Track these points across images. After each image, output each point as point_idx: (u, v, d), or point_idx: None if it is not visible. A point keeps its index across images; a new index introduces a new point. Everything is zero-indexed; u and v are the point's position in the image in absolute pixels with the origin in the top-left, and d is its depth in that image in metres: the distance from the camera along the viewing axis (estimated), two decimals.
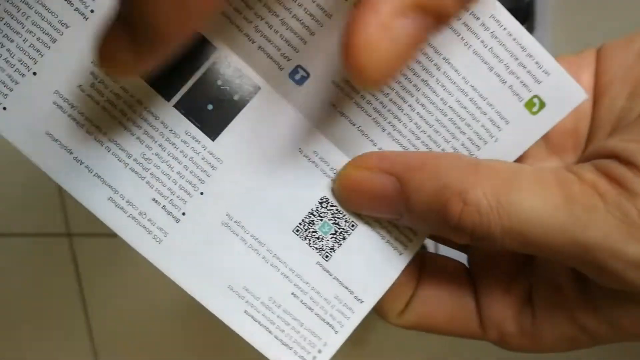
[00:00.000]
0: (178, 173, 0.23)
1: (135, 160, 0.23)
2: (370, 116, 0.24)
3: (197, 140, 0.23)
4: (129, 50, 0.18)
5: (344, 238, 0.25)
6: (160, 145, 0.23)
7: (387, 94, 0.23)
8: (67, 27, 0.22)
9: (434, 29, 0.19)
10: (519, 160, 0.25)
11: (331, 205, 0.24)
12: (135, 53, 0.18)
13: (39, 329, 0.78)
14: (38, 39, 0.22)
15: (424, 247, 0.26)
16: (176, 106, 0.23)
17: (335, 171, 0.24)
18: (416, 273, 0.26)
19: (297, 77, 0.23)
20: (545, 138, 0.25)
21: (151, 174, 0.23)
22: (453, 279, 0.26)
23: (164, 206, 0.23)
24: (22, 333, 0.79)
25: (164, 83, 0.23)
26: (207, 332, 0.73)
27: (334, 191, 0.24)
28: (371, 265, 0.25)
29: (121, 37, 0.18)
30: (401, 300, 0.26)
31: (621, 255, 0.20)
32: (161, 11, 0.17)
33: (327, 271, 0.25)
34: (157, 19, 0.17)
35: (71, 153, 0.22)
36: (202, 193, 0.23)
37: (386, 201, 0.23)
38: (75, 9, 0.22)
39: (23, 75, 0.22)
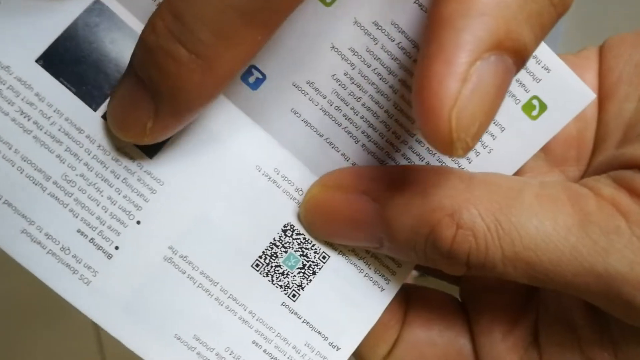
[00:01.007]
0: (109, 198, 0.19)
1: (55, 183, 0.19)
2: (340, 125, 0.20)
3: (131, 158, 0.19)
4: (150, 117, 0.17)
5: (314, 273, 0.21)
6: (86, 164, 0.19)
7: (359, 98, 0.20)
8: None
9: (515, 70, 0.15)
10: (516, 175, 0.21)
11: (297, 234, 0.20)
12: (158, 120, 0.17)
13: (45, 323, 0.73)
14: None
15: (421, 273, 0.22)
16: (105, 117, 0.19)
17: (301, 192, 0.20)
18: (401, 310, 0.22)
19: (251, 79, 0.19)
20: (545, 148, 0.22)
21: (75, 199, 0.19)
22: (444, 316, 0.22)
23: (92, 239, 0.19)
24: (28, 328, 0.74)
25: (89, 88, 0.19)
26: None
27: (300, 216, 0.20)
28: (348, 304, 0.21)
29: (142, 103, 0.16)
30: (385, 343, 0.22)
31: None
32: (188, 77, 0.15)
33: (295, 313, 0.20)
34: (184, 85, 0.16)
35: None
36: (138, 222, 0.19)
37: (363, 227, 0.19)
38: None
39: None
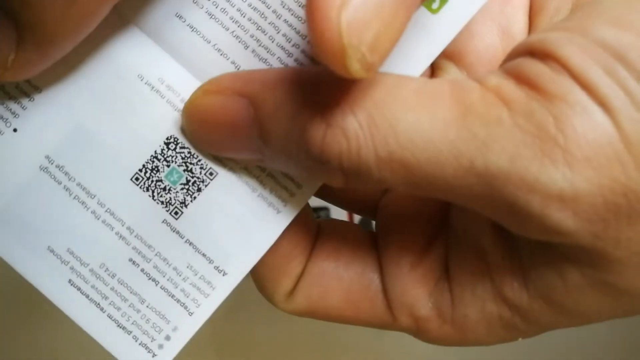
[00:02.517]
0: None
1: None
2: (227, 29, 0.18)
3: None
4: (12, 50, 0.16)
5: (199, 189, 0.19)
6: None
7: None
8: None
9: None
10: None
11: (181, 147, 0.19)
12: (20, 54, 0.16)
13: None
14: None
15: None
16: None
17: None
18: (308, 243, 0.20)
19: None
20: (468, 67, 0.19)
21: None
22: (354, 249, 0.20)
23: None
24: (51, 319, 0.77)
25: None
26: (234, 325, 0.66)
27: (182, 126, 0.19)
28: (238, 226, 0.19)
29: (4, 35, 0.16)
30: (289, 277, 0.20)
31: (535, 184, 0.14)
32: (50, 7, 0.15)
33: (177, 232, 0.19)
34: (46, 15, 0.15)
35: None
36: (15, 130, 0.19)
37: (239, 132, 0.18)
38: None
39: None
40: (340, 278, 0.20)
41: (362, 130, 0.15)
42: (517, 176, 0.14)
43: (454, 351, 0.22)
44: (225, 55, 0.19)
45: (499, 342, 0.19)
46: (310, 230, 0.20)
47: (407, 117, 0.15)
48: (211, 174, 0.19)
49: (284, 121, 0.17)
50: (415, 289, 0.19)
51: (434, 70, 0.20)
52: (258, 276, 0.20)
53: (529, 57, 0.15)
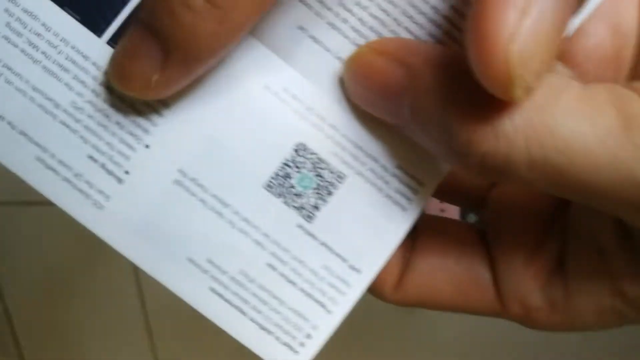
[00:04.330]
0: (117, 123, 0.19)
1: (65, 111, 0.19)
2: (348, 38, 0.19)
3: None
4: (157, 70, 0.16)
5: (330, 193, 0.20)
6: (93, 91, 0.19)
7: (366, 7, 0.19)
8: None
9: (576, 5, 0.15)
10: None
11: (311, 153, 0.20)
12: (165, 73, 0.16)
13: (91, 302, 0.75)
14: None
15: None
16: (110, 43, 0.19)
17: (312, 110, 0.20)
18: (409, 238, 0.21)
19: None
20: (578, 67, 0.20)
21: (85, 126, 0.19)
22: (460, 243, 0.21)
23: (103, 164, 0.19)
24: (73, 307, 0.76)
25: (93, 14, 0.19)
26: None
27: (342, 74, 0.19)
28: (368, 225, 0.20)
29: (149, 54, 0.16)
30: (394, 271, 0.21)
31: None
32: (202, 27, 0.15)
33: (312, 235, 0.20)
34: (198, 34, 0.15)
35: None
36: (147, 146, 0.19)
37: (389, 97, 0.18)
38: None
39: None
40: (450, 271, 0.21)
41: (516, 133, 0.15)
42: None
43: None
44: None
45: (606, 328, 0.20)
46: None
47: (567, 123, 0.15)
48: (340, 177, 0.20)
49: (436, 103, 0.17)
50: (529, 283, 0.20)
51: None
52: None
53: None
